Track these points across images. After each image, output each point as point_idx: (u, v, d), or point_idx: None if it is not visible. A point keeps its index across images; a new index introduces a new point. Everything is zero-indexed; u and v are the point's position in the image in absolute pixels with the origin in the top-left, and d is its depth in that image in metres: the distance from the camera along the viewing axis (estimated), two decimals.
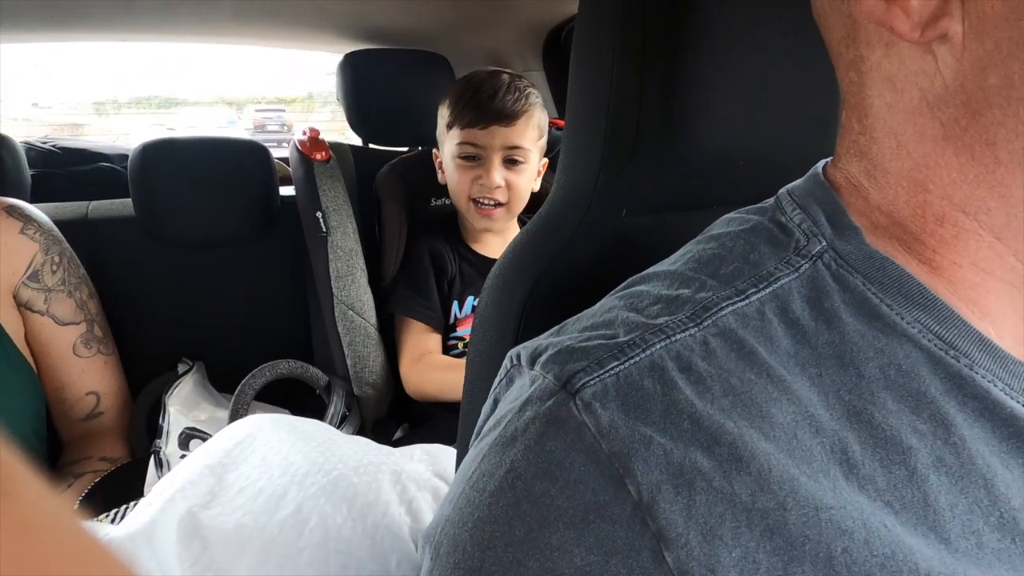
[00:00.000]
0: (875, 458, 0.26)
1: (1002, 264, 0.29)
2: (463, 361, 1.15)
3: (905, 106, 0.29)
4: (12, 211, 0.98)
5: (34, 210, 1.03)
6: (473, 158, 1.13)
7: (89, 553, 0.13)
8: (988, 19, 0.26)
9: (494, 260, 1.26)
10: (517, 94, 1.11)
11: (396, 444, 1.14)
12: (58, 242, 1.03)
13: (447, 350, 1.21)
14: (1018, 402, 0.28)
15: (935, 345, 0.29)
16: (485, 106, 1.10)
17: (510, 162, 1.13)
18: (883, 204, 0.31)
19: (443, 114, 1.17)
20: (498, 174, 1.12)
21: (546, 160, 1.21)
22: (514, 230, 1.24)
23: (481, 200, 1.14)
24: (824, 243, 0.31)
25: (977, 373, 0.28)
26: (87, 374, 1.01)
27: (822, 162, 0.36)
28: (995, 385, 0.28)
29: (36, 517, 0.12)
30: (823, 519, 0.24)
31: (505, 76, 1.14)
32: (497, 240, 1.22)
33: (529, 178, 1.16)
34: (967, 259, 0.30)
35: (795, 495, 0.25)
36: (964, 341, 0.29)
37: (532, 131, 1.14)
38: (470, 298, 1.20)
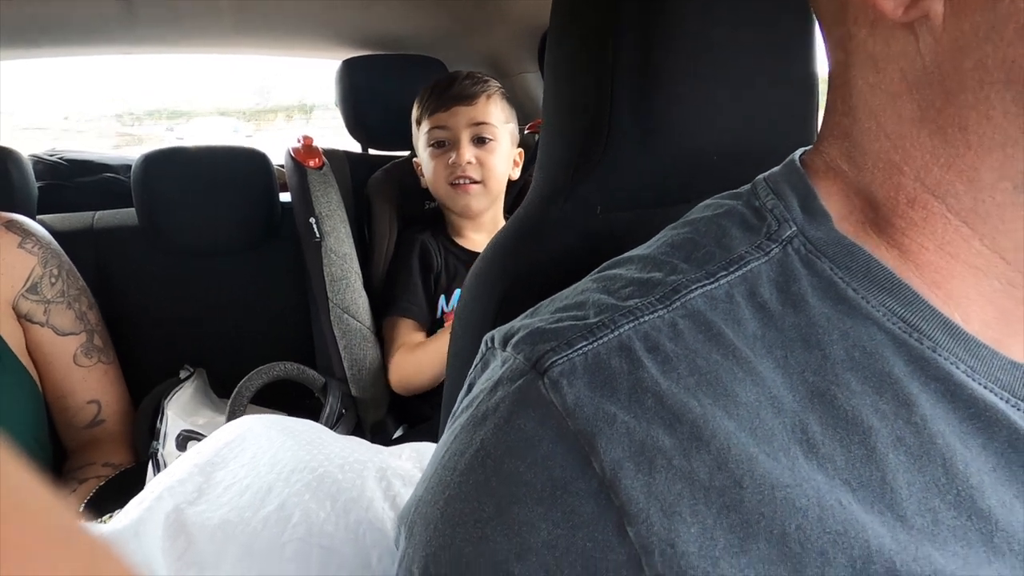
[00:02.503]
0: (835, 438, 0.27)
1: (968, 248, 0.30)
2: (434, 336, 1.18)
3: (886, 87, 0.30)
4: (11, 226, 1.01)
5: (33, 224, 1.06)
6: (443, 144, 1.19)
7: (72, 536, 0.13)
8: (967, 1, 0.26)
9: (478, 254, 1.28)
10: (475, 79, 1.19)
11: (394, 444, 1.15)
12: (56, 255, 1.05)
13: None
14: (979, 383, 0.29)
15: (899, 328, 0.29)
16: (445, 92, 1.17)
17: (479, 141, 1.18)
18: (860, 185, 0.32)
19: (413, 117, 1.24)
20: (468, 151, 1.17)
21: (521, 150, 1.25)
22: (500, 223, 1.27)
23: (456, 180, 1.18)
24: (795, 228, 0.32)
25: (940, 355, 0.29)
26: (88, 383, 1.04)
27: (800, 150, 0.37)
28: (957, 367, 0.29)
29: (17, 496, 0.12)
30: (778, 497, 0.25)
31: (463, 71, 1.22)
32: (482, 234, 1.25)
33: (501, 157, 1.21)
34: (934, 242, 0.30)
35: (752, 474, 0.25)
36: (928, 324, 0.29)
37: (495, 109, 1.19)
38: (456, 291, 1.22)
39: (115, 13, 1.36)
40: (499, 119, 1.20)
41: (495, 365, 0.32)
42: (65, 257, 1.07)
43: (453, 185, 1.19)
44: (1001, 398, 0.28)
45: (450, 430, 0.31)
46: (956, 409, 0.28)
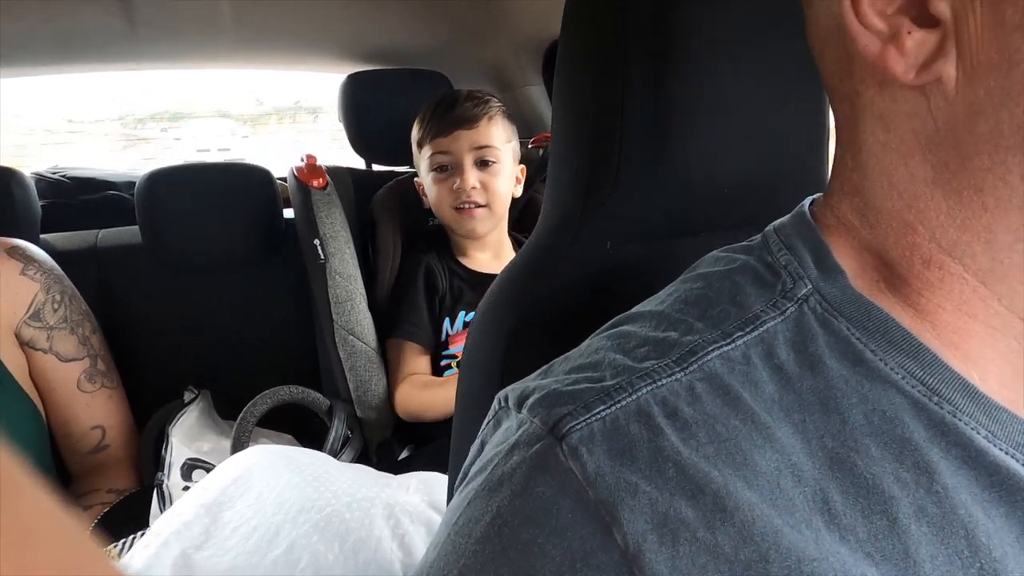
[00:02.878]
0: (856, 507, 0.26)
1: (985, 308, 0.29)
2: (444, 379, 1.17)
3: (897, 146, 0.29)
4: (13, 252, 1.01)
5: (36, 250, 1.06)
6: (445, 168, 1.18)
7: (87, 558, 0.13)
8: (982, 66, 0.26)
9: (483, 274, 1.28)
10: (476, 100, 1.17)
11: (400, 465, 1.14)
12: (59, 280, 1.05)
13: (440, 371, 1.22)
14: (1001, 449, 0.28)
15: (919, 391, 0.28)
16: (446, 115, 1.16)
17: (482, 164, 1.17)
18: (873, 243, 0.31)
19: (413, 138, 1.23)
20: (472, 176, 1.16)
21: (523, 166, 1.24)
22: (504, 244, 1.26)
23: (461, 205, 1.18)
24: (810, 286, 0.31)
25: (960, 420, 0.28)
26: (92, 408, 1.03)
27: (809, 199, 0.36)
28: (978, 432, 0.28)
29: (35, 523, 0.12)
30: (805, 572, 0.24)
31: (463, 91, 1.20)
32: (486, 254, 1.24)
33: (505, 178, 1.20)
34: (951, 302, 0.30)
35: (777, 547, 0.25)
36: (947, 387, 0.29)
37: (497, 131, 1.18)
38: (461, 314, 1.21)
39: (117, 30, 1.36)
40: (501, 140, 1.19)
41: (509, 427, 0.31)
42: (68, 282, 1.07)
43: (458, 209, 1.18)
44: (1022, 463, 0.28)
45: (462, 493, 0.31)
46: (978, 477, 0.27)
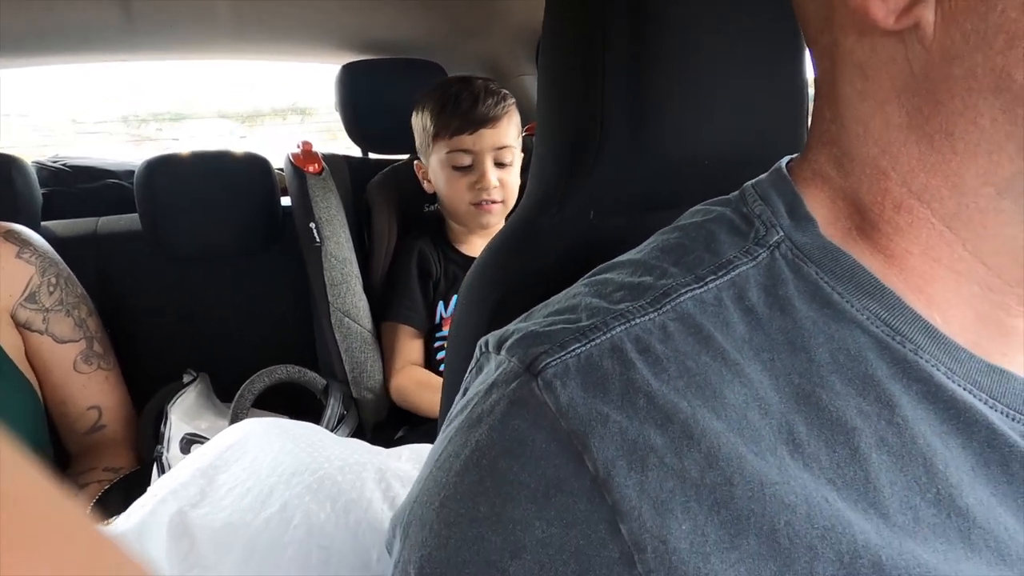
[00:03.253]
0: (820, 438, 0.27)
1: (951, 253, 0.30)
2: (437, 380, 1.18)
3: (874, 93, 0.30)
4: (9, 236, 1.03)
5: (31, 234, 1.07)
6: (464, 163, 1.17)
7: (74, 524, 0.13)
8: (959, 10, 0.27)
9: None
10: (496, 97, 1.16)
11: (395, 445, 1.16)
12: (55, 264, 1.07)
13: (433, 352, 1.24)
14: (959, 385, 0.29)
15: (883, 331, 0.30)
16: (470, 113, 1.14)
17: (499, 161, 1.18)
18: (847, 190, 0.32)
19: (423, 125, 1.21)
20: (492, 175, 1.16)
21: (523, 154, 1.25)
22: (498, 229, 1.26)
23: (480, 201, 1.18)
24: (782, 233, 0.32)
25: (921, 358, 0.29)
26: (88, 389, 1.05)
27: (786, 158, 0.37)
28: (938, 369, 0.29)
29: (18, 485, 0.12)
30: (767, 494, 0.26)
31: (479, 81, 1.19)
32: (482, 240, 1.25)
33: (516, 173, 1.21)
34: (918, 247, 0.31)
35: (742, 471, 0.26)
36: (910, 328, 0.30)
37: (512, 128, 1.19)
38: (455, 298, 1.22)
39: (113, 20, 1.37)
40: (514, 136, 1.19)
41: (489, 369, 0.32)
42: (64, 265, 1.08)
43: (475, 204, 1.19)
44: (979, 399, 0.29)
45: (445, 432, 0.32)
46: (937, 410, 0.29)
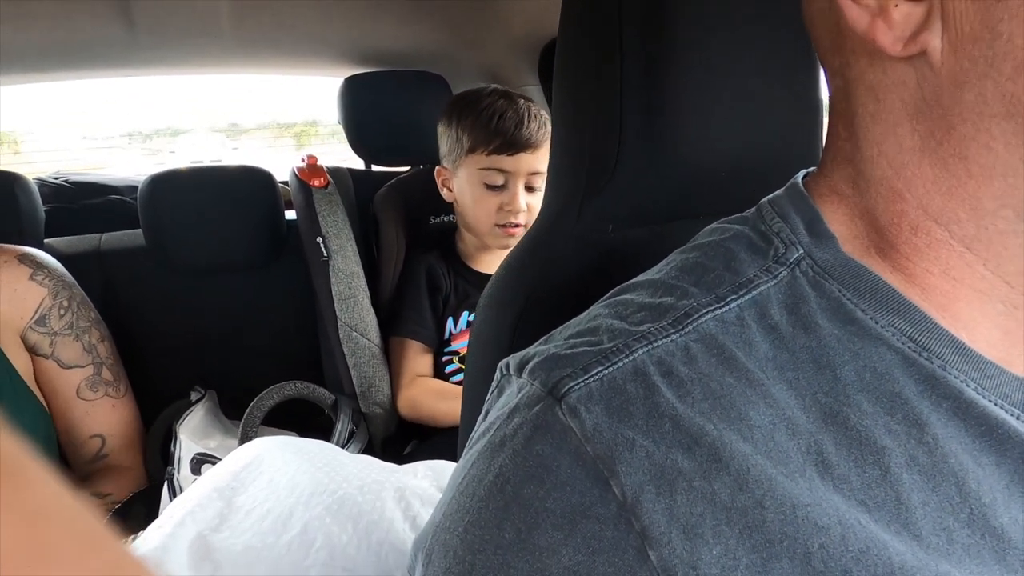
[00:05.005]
0: (850, 458, 0.27)
1: (972, 273, 0.30)
2: (454, 388, 1.17)
3: (886, 116, 0.30)
4: (24, 259, 1.02)
5: (46, 257, 1.07)
6: (497, 182, 1.14)
7: (97, 538, 0.13)
8: (966, 37, 0.27)
9: (489, 275, 1.27)
10: (540, 121, 1.13)
11: (404, 460, 1.15)
12: (68, 287, 1.06)
13: (442, 366, 1.23)
14: (990, 401, 0.29)
15: (909, 347, 0.29)
16: (513, 134, 1.11)
17: (529, 187, 1.15)
18: (864, 211, 0.32)
19: (456, 135, 1.16)
20: (522, 199, 1.14)
21: None
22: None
23: (506, 223, 1.16)
24: (802, 250, 0.32)
25: (950, 374, 0.29)
26: (91, 417, 1.03)
27: (801, 172, 0.37)
28: (967, 385, 0.29)
29: (44, 499, 0.12)
30: (800, 516, 0.25)
31: (522, 101, 1.15)
32: (492, 256, 1.24)
33: (541, 197, 1.18)
34: (938, 267, 0.30)
35: (772, 494, 0.26)
36: (937, 343, 0.29)
37: (546, 153, 1.16)
38: (464, 313, 1.22)
39: (117, 36, 1.37)
40: (546, 162, 1.18)
41: (511, 391, 0.32)
42: (78, 289, 1.08)
43: (499, 226, 1.16)
44: (1011, 414, 0.29)
45: (467, 456, 0.31)
46: (968, 427, 0.28)
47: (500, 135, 1.11)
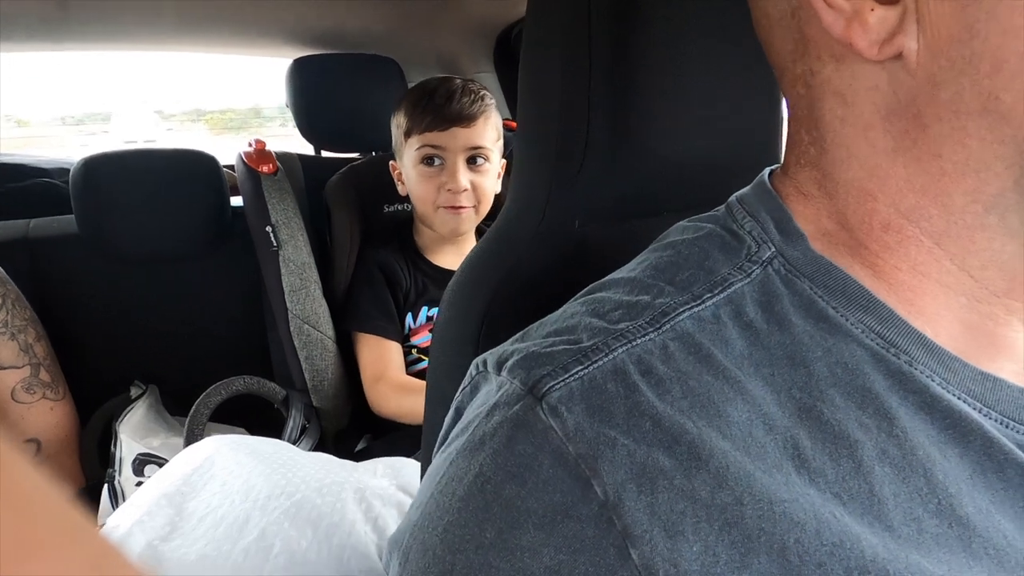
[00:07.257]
0: (824, 452, 0.28)
1: (939, 267, 0.31)
2: (422, 384, 1.15)
3: (856, 120, 0.30)
4: None
5: None
6: (434, 161, 1.12)
7: (80, 530, 0.13)
8: (942, 39, 0.27)
9: (448, 271, 1.25)
10: (473, 96, 1.11)
11: (358, 456, 1.13)
12: (2, 283, 0.99)
13: (406, 363, 1.21)
14: (953, 395, 0.30)
15: (877, 344, 0.30)
16: (443, 109, 1.09)
17: (472, 162, 1.13)
18: (832, 211, 0.33)
19: (399, 123, 1.16)
20: (463, 176, 1.11)
21: (504, 161, 1.20)
22: (471, 241, 1.24)
23: (448, 205, 1.13)
24: (773, 249, 0.33)
25: (916, 369, 0.30)
26: (26, 420, 0.98)
27: (767, 170, 0.37)
28: (933, 380, 0.30)
29: (26, 491, 0.12)
30: (777, 512, 0.26)
31: (458, 80, 1.14)
32: (452, 250, 1.21)
33: (492, 179, 1.16)
34: (907, 263, 0.31)
35: (751, 490, 0.26)
36: (904, 340, 0.30)
37: (491, 131, 1.14)
38: (424, 308, 1.19)
39: (48, 9, 1.29)
40: (492, 139, 1.14)
41: (488, 389, 0.32)
42: (12, 285, 1.01)
43: (444, 207, 1.13)
44: (973, 408, 0.30)
45: (443, 454, 0.31)
46: (934, 420, 0.29)
47: (431, 112, 1.10)
